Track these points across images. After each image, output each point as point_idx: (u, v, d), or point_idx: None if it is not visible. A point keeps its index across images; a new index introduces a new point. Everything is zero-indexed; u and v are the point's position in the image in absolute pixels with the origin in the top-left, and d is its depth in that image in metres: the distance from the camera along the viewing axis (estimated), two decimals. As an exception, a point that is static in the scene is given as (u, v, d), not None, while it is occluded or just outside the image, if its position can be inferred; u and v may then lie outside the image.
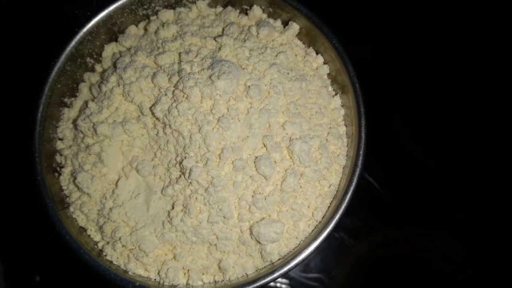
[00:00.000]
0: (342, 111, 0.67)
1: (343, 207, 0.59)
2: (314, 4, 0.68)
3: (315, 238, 0.59)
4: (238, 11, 0.72)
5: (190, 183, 0.58)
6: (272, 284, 0.97)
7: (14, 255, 0.96)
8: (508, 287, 0.93)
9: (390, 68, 0.99)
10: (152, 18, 0.72)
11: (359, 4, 1.01)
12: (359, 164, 0.60)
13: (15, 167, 0.85)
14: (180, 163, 0.59)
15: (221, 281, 0.61)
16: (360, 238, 0.97)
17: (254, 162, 0.59)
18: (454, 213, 0.96)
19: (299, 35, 0.70)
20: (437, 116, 1.00)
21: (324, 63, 0.69)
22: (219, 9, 0.73)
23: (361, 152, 0.60)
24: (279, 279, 0.96)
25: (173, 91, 0.60)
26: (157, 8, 0.71)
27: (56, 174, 0.66)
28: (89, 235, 0.64)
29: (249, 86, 0.61)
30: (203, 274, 0.62)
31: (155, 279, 0.61)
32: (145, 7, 0.71)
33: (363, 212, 0.97)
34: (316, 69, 0.69)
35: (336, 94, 0.68)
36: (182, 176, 0.59)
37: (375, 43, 1.01)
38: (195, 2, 0.72)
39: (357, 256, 0.97)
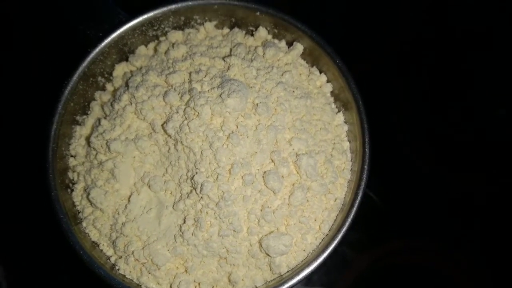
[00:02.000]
0: (346, 127, 0.70)
1: (349, 219, 0.61)
2: (314, 20, 0.71)
3: (322, 251, 0.61)
4: (244, 32, 0.75)
5: (201, 197, 0.60)
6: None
7: (16, 271, 0.97)
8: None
9: (390, 82, 1.02)
10: (161, 38, 0.75)
11: (358, 18, 1.05)
12: (364, 178, 0.63)
13: (27, 184, 0.87)
14: (191, 178, 0.61)
15: (231, 294, 0.63)
16: (361, 251, 0.99)
17: (263, 177, 0.62)
18: (455, 224, 0.98)
19: (303, 55, 0.73)
20: (438, 128, 1.02)
21: (327, 81, 0.72)
22: (226, 30, 0.76)
23: (365, 167, 0.63)
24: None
25: (185, 109, 0.62)
26: (166, 29, 0.74)
27: (69, 190, 0.68)
28: (101, 250, 0.65)
29: (257, 104, 0.63)
30: (213, 287, 0.63)
31: (167, 292, 0.62)
32: (155, 28, 0.73)
33: (364, 225, 0.98)
34: (320, 87, 0.72)
35: (339, 111, 0.71)
36: (193, 191, 0.61)
37: (374, 57, 1.04)
38: (203, 24, 0.75)
39: (359, 269, 0.99)
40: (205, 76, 0.66)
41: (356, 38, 1.04)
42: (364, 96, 0.67)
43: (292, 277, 0.59)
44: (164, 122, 0.64)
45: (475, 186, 1.00)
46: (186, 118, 0.62)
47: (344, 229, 0.61)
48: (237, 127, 0.62)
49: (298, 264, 0.62)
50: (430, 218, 0.98)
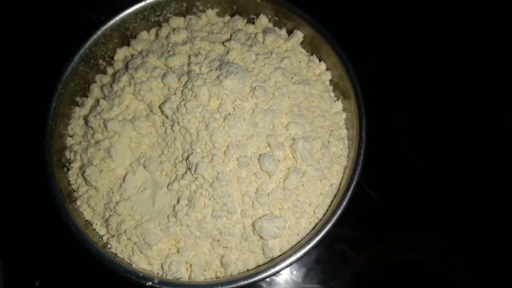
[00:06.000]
0: (344, 115, 0.70)
1: (344, 203, 0.60)
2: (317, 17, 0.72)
3: (315, 235, 0.60)
4: (245, 20, 0.76)
5: (196, 178, 0.60)
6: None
7: (13, 260, 0.96)
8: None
9: (391, 81, 1.02)
10: (163, 24, 0.76)
11: (361, 18, 1.05)
12: (360, 163, 0.62)
13: (19, 170, 0.87)
14: (187, 159, 0.61)
15: (223, 276, 0.62)
16: (359, 249, 0.97)
17: (258, 159, 0.61)
18: (454, 223, 0.96)
19: (303, 44, 0.74)
20: (439, 127, 1.01)
21: (327, 69, 0.72)
22: (227, 18, 0.77)
23: (362, 152, 0.62)
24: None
25: (182, 90, 0.63)
26: (168, 15, 0.75)
27: (65, 170, 0.68)
28: (94, 229, 0.65)
29: (254, 87, 0.63)
30: (205, 270, 0.63)
31: (158, 273, 0.62)
32: (157, 14, 0.74)
33: (362, 223, 0.97)
34: (319, 75, 0.72)
35: (338, 99, 0.71)
36: (188, 172, 0.61)
37: (376, 56, 1.05)
38: (204, 11, 0.76)
39: (356, 267, 0.97)
40: (204, 59, 0.66)
41: (360, 37, 1.05)
42: (367, 95, 0.67)
43: (283, 260, 0.58)
44: (162, 103, 0.64)
45: (474, 185, 0.99)
46: (183, 99, 0.62)
47: (338, 212, 0.60)
48: (234, 109, 0.62)
49: (291, 248, 0.61)
50: (429, 216, 0.97)
